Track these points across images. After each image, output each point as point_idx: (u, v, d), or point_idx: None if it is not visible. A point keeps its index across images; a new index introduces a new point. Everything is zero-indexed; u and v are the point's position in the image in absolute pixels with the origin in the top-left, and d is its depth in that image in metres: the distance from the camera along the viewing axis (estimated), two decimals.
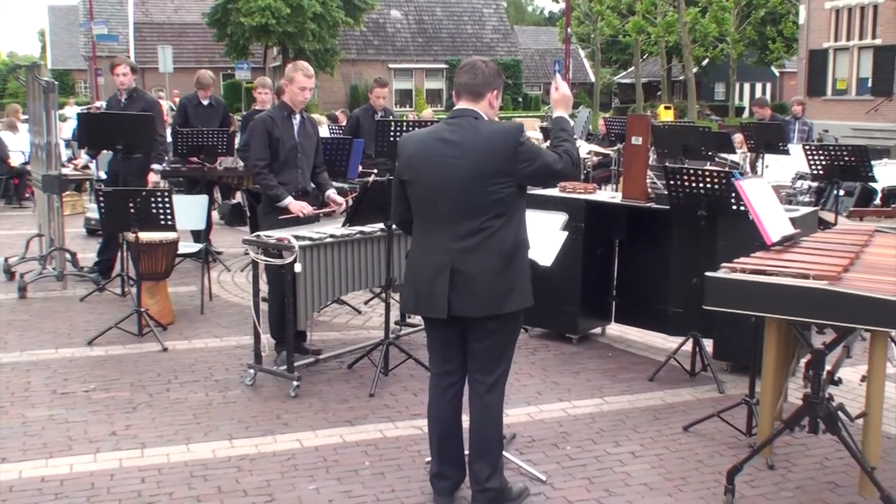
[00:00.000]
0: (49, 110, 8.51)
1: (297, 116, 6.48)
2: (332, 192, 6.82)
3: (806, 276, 4.01)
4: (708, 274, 4.14)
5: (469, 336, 4.04)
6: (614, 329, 7.37)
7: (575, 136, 4.16)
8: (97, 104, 30.86)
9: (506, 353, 4.09)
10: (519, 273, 3.93)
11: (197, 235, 9.19)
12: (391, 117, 9.20)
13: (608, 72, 59.17)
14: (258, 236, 5.85)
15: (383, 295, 8.09)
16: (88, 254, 9.99)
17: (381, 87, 9.34)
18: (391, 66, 50.01)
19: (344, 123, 16.80)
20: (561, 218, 4.76)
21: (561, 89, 4.17)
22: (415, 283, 4.06)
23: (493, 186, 3.81)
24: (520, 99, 53.64)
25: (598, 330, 7.34)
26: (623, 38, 47.01)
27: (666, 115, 32.64)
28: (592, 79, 54.35)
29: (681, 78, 52.30)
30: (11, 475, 4.56)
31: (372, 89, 9.37)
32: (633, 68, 53.16)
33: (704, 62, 49.14)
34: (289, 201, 6.34)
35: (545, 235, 4.59)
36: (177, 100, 29.72)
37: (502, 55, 50.63)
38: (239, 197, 14.06)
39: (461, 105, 3.98)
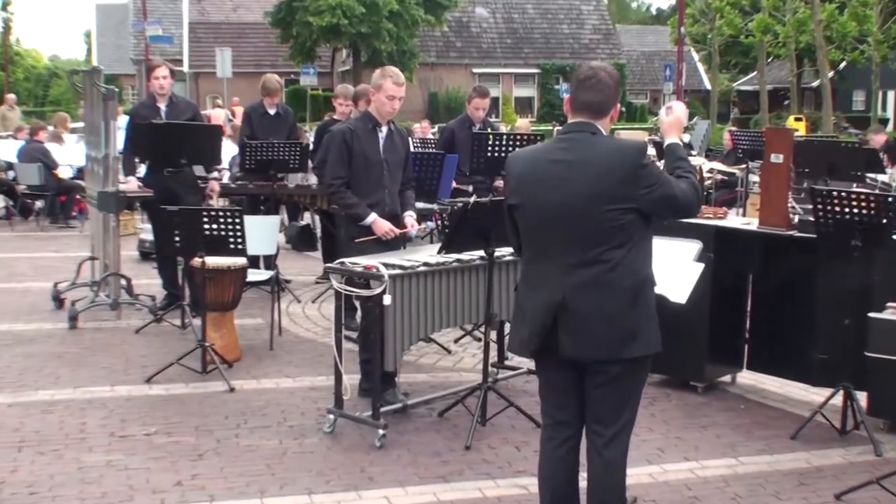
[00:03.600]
0: (108, 120, 8.79)
1: (384, 128, 6.57)
2: (408, 215, 6.83)
3: None
4: (872, 315, 4.07)
5: (587, 381, 4.03)
6: (746, 377, 7.25)
7: (694, 153, 4.17)
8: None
9: (630, 401, 4.07)
10: (644, 313, 3.92)
11: (256, 260, 9.36)
12: (489, 130, 9.23)
13: (726, 77, 58.55)
14: (342, 263, 5.93)
15: (476, 332, 8.18)
16: (143, 280, 10.23)
17: (482, 97, 9.34)
18: (476, 70, 50.31)
19: (423, 136, 17.03)
20: (695, 247, 4.73)
21: (674, 111, 4.16)
22: (521, 320, 4.09)
23: (610, 212, 3.81)
24: (623, 108, 53.39)
25: (727, 378, 7.23)
26: (745, 39, 46.37)
27: (796, 128, 32.14)
28: (708, 85, 53.88)
29: (813, 85, 51.42)
30: None
31: (470, 99, 9.40)
32: (755, 73, 52.52)
33: (841, 66, 48.25)
34: (373, 219, 6.43)
35: (677, 267, 4.57)
36: (236, 109, 30.50)
37: (604, 58, 50.50)
38: (307, 218, 14.30)
39: (578, 118, 3.99)
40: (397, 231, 6.48)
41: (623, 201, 3.80)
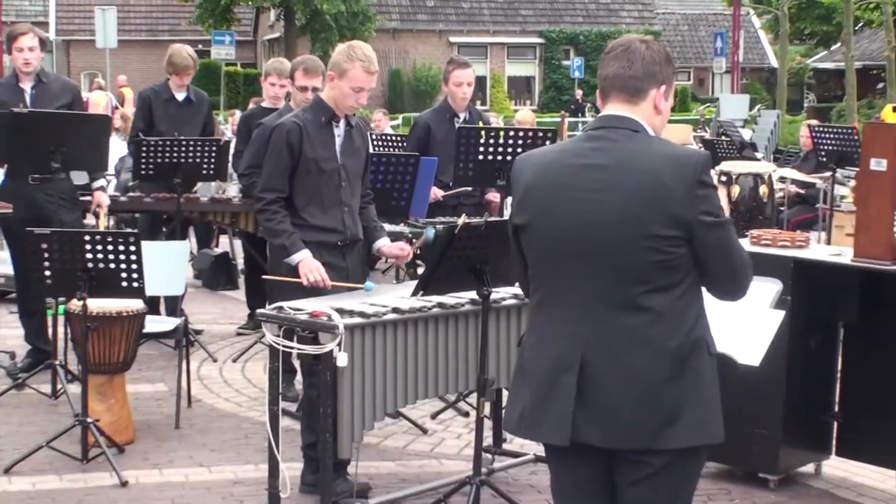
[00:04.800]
0: None
1: (341, 123, 6.64)
2: (383, 243, 6.87)
3: None
4: None
5: (618, 476, 4.03)
6: (836, 466, 7.29)
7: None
8: None
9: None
10: (693, 388, 3.90)
11: (155, 303, 9.34)
12: (481, 122, 9.25)
13: (798, 51, 59.05)
14: (280, 308, 5.94)
15: (462, 404, 8.18)
16: None
17: (462, 67, 9.26)
18: (454, 39, 50.64)
19: (380, 131, 17.08)
20: (772, 288, 4.77)
21: None
22: (521, 385, 4.09)
23: (655, 240, 3.81)
24: None
25: (809, 468, 7.26)
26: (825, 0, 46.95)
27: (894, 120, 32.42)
28: (774, 62, 54.31)
29: None
30: None
31: (447, 75, 9.31)
32: (838, 46, 53.01)
33: None
34: (300, 258, 6.47)
35: (748, 317, 4.60)
36: (124, 91, 30.46)
37: (630, 24, 50.91)
38: (225, 244, 14.27)
39: (610, 110, 4.02)
40: (329, 284, 6.47)
41: (673, 226, 3.80)
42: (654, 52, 4.03)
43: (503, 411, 7.35)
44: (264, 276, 6.64)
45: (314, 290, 6.38)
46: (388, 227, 8.04)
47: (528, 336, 4.14)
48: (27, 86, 8.98)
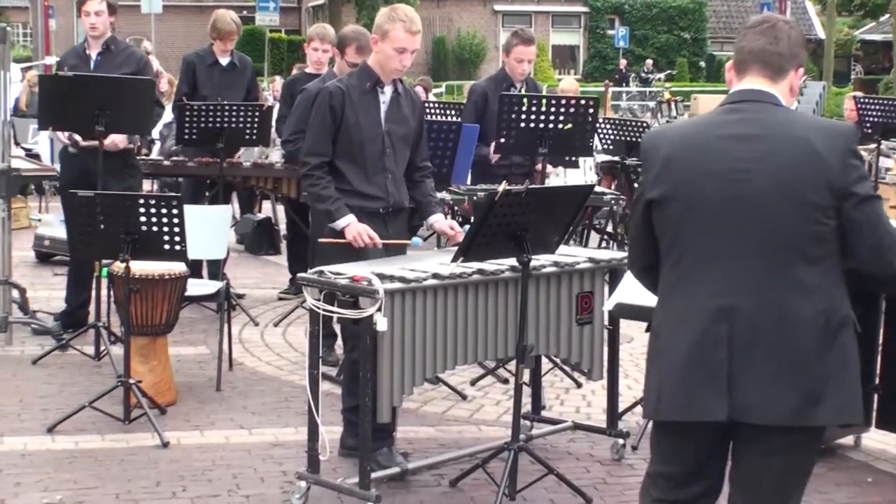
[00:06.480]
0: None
1: (387, 89, 6.63)
2: (437, 219, 6.85)
3: None
4: None
5: (743, 447, 4.01)
6: (876, 438, 7.27)
7: None
8: (46, 61, 31.74)
9: (802, 479, 4.07)
10: (840, 365, 3.88)
11: (197, 267, 9.39)
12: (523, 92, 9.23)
13: (846, 23, 58.52)
14: (320, 272, 5.96)
15: (502, 371, 8.20)
16: (41, 291, 10.28)
17: (526, 43, 9.24)
18: (498, 7, 50.48)
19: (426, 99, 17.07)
20: None
21: None
22: (659, 369, 4.05)
23: (810, 209, 3.78)
24: (702, 63, 53.38)
25: (848, 440, 7.24)
26: None
27: None
28: (821, 34, 53.87)
29: None
30: None
31: (510, 49, 9.29)
32: (886, 17, 52.50)
33: None
34: (345, 223, 6.48)
35: None
36: (152, 58, 30.46)
37: None
38: (268, 209, 14.32)
39: (748, 84, 4.02)
40: (379, 242, 6.49)
41: (827, 195, 3.78)
42: (797, 34, 4.08)
43: (543, 379, 7.45)
44: (320, 240, 6.60)
45: (363, 252, 6.42)
46: None
47: (663, 319, 4.07)
48: (94, 52, 9.07)
